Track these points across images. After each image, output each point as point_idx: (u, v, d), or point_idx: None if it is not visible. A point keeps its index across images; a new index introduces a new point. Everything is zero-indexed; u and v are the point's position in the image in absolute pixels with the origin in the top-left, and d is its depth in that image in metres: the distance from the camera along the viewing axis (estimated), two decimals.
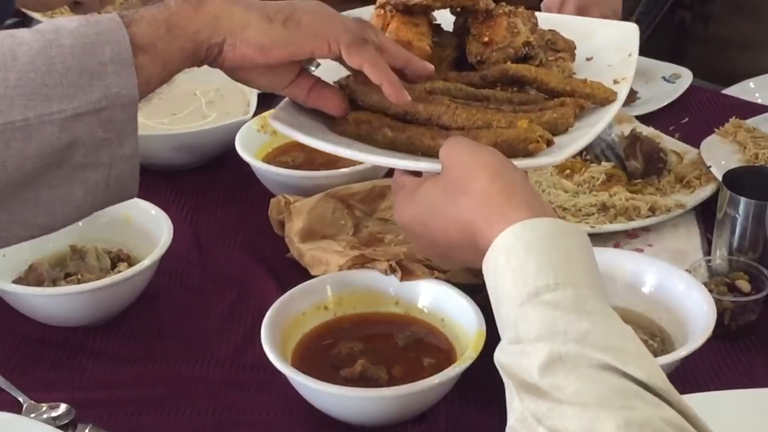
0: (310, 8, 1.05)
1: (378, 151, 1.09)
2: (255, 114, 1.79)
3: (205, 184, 1.71)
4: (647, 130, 1.78)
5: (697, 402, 1.14)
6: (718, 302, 1.26)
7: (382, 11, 1.24)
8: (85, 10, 1.92)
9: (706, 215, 1.56)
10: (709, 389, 1.21)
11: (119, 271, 1.35)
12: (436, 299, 1.27)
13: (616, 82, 1.19)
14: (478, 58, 1.21)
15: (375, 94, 1.10)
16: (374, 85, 1.07)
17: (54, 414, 1.19)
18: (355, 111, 1.12)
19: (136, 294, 1.36)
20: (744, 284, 1.34)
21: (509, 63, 1.20)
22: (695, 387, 1.23)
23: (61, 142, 0.90)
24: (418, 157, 1.07)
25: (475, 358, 1.17)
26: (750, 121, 1.73)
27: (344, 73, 1.14)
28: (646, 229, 1.56)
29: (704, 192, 1.60)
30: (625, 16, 2.29)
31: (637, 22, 2.36)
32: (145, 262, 1.33)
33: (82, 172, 0.94)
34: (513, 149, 1.04)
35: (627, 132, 1.68)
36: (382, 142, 1.10)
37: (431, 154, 1.06)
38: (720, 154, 1.65)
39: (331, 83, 1.14)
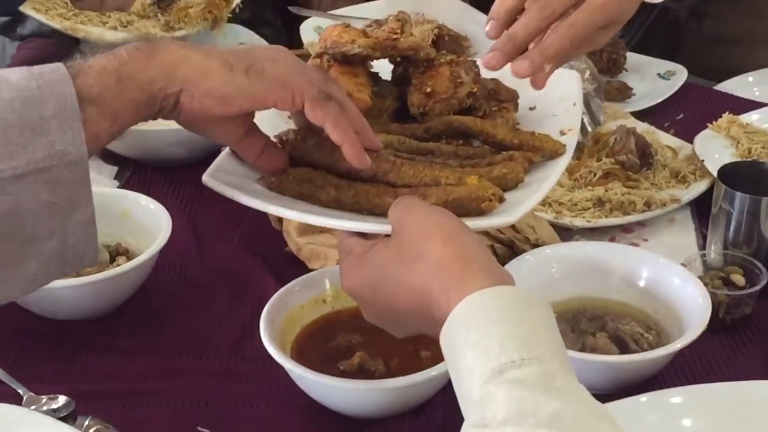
0: (273, 56, 0.98)
1: (323, 211, 1.02)
2: None
3: None
4: (642, 126, 1.78)
5: (693, 394, 1.15)
6: (713, 296, 1.26)
7: (320, 61, 1.16)
8: (84, 5, 1.91)
9: (701, 210, 1.56)
10: (704, 382, 1.21)
11: (118, 265, 1.35)
12: None
13: (562, 133, 1.13)
14: (421, 109, 1.15)
15: (320, 152, 1.05)
16: (323, 142, 1.03)
17: (54, 406, 1.18)
18: (294, 168, 1.06)
19: (135, 287, 1.36)
20: (738, 278, 1.34)
21: (453, 115, 1.15)
22: (690, 379, 1.23)
23: (1, 207, 0.82)
24: (366, 217, 1.01)
25: None
26: (743, 117, 1.73)
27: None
28: (641, 224, 1.56)
29: (699, 187, 1.60)
30: None
31: (630, 20, 2.37)
32: (144, 256, 1.33)
33: (33, 246, 0.85)
34: (464, 208, 0.98)
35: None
36: (326, 200, 1.03)
37: (379, 212, 1.00)
38: (713, 148, 1.65)
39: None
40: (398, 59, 1.19)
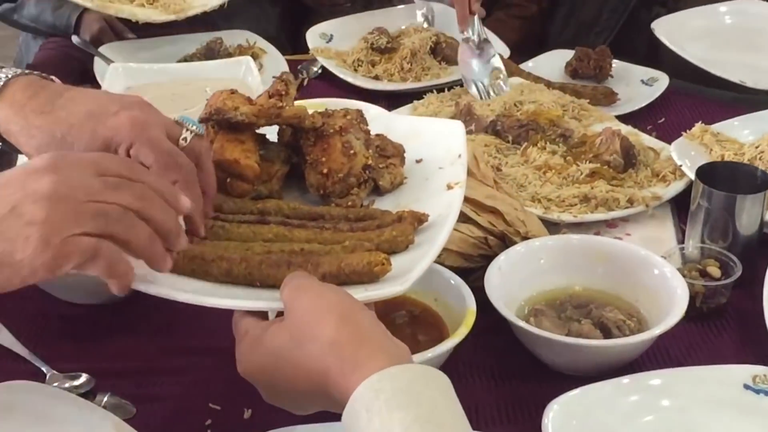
0: (28, 217, 0.80)
1: (215, 290, 0.95)
2: None
3: None
4: (626, 129, 1.80)
5: (671, 377, 1.17)
6: (690, 286, 1.28)
7: (205, 126, 1.09)
8: None
9: (680, 206, 1.58)
10: (682, 365, 1.23)
11: None
12: (429, 280, 1.28)
13: (449, 187, 1.08)
14: (321, 191, 1.08)
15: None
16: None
17: (75, 383, 1.20)
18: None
19: None
20: (715, 270, 1.35)
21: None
22: (669, 363, 1.25)
23: None
24: (259, 292, 0.95)
25: (467, 335, 1.18)
26: (714, 127, 1.75)
27: None
28: (624, 219, 1.57)
29: (679, 185, 1.62)
30: (594, 14, 2.29)
31: (606, 20, 2.39)
32: None
33: None
34: (358, 274, 0.94)
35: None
36: (218, 275, 0.97)
37: (272, 284, 0.95)
38: (689, 154, 1.66)
39: None
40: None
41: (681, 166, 1.62)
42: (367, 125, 1.14)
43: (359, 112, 1.15)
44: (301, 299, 0.87)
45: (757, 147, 1.64)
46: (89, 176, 0.84)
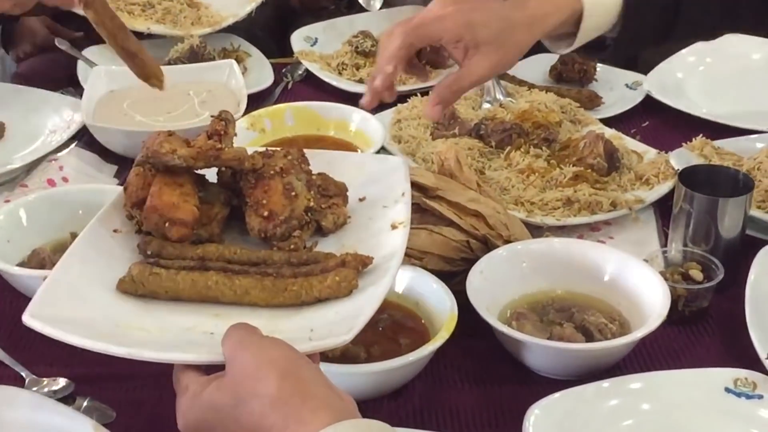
0: None
1: (158, 343, 0.93)
2: (245, 113, 1.81)
3: None
4: (610, 132, 1.80)
5: (652, 380, 1.17)
6: (672, 290, 1.28)
7: (141, 169, 1.07)
8: None
9: (663, 210, 1.58)
10: (663, 368, 1.24)
11: None
12: (411, 284, 1.28)
13: (393, 227, 1.06)
14: (263, 234, 1.05)
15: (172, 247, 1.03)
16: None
17: (54, 388, 1.20)
18: (137, 265, 1.00)
19: None
20: (697, 273, 1.36)
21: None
22: (651, 366, 1.25)
23: None
24: (200, 348, 0.92)
25: (448, 339, 1.18)
26: (717, 143, 1.74)
27: None
28: (607, 223, 1.58)
29: (662, 189, 1.62)
30: None
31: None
32: None
33: None
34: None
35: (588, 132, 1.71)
36: (166, 297, 0.99)
37: (228, 301, 0.98)
38: (688, 163, 1.64)
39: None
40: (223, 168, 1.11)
41: (678, 170, 1.61)
42: (308, 165, 1.12)
43: (301, 152, 1.12)
44: (242, 355, 0.86)
45: (755, 159, 1.64)
46: None
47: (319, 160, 1.15)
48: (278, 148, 1.13)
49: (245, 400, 0.83)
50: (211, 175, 1.12)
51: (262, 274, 1.00)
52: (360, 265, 1.00)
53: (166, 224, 1.03)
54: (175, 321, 0.97)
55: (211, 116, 1.15)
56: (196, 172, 1.09)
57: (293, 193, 1.07)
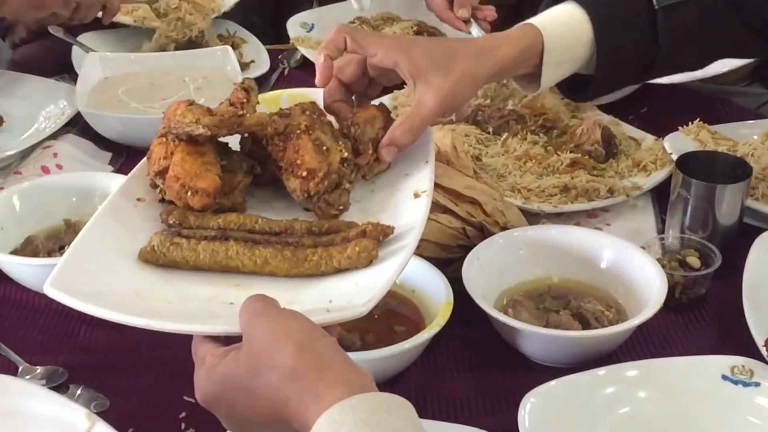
0: None
1: (175, 313, 0.93)
2: None
3: None
4: (607, 118, 1.79)
5: (648, 368, 1.17)
6: (670, 277, 1.27)
7: (164, 140, 1.06)
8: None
9: (660, 197, 1.58)
10: (660, 356, 1.23)
11: None
12: (407, 272, 1.26)
13: (416, 195, 1.05)
14: (306, 194, 1.04)
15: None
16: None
17: (48, 376, 1.20)
18: (159, 235, 1.00)
19: None
20: (694, 260, 1.35)
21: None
22: (648, 354, 1.25)
23: None
24: (216, 316, 0.92)
25: (443, 326, 1.17)
26: (713, 128, 1.73)
27: None
28: (605, 210, 1.57)
29: (659, 175, 1.61)
30: None
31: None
32: None
33: None
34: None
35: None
36: (187, 267, 0.98)
37: (248, 271, 0.97)
38: (683, 147, 1.64)
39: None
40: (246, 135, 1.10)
41: (671, 154, 1.61)
42: (325, 116, 1.11)
43: (314, 105, 1.11)
44: (259, 326, 0.85)
45: (750, 144, 1.63)
46: None
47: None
48: (293, 105, 1.11)
49: (261, 372, 0.83)
50: (233, 143, 1.11)
51: (282, 243, 0.99)
52: (381, 234, 0.99)
53: (188, 193, 1.02)
54: (195, 291, 0.97)
55: (234, 84, 1.14)
56: (218, 140, 1.08)
57: (324, 148, 1.06)
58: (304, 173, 1.04)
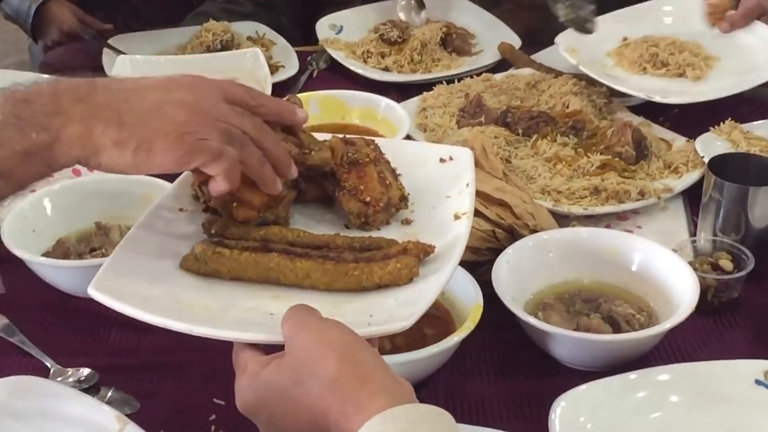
0: (169, 113, 0.92)
1: (216, 319, 0.93)
2: None
3: None
4: (638, 120, 1.78)
5: (680, 372, 1.16)
6: (702, 280, 1.26)
7: None
8: None
9: (692, 199, 1.56)
10: (692, 360, 1.22)
11: None
12: None
13: (457, 217, 1.05)
14: (362, 219, 1.06)
15: (236, 228, 1.02)
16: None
17: (79, 378, 1.20)
18: (201, 244, 1.00)
19: None
20: (727, 263, 1.34)
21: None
22: (679, 358, 1.24)
23: None
24: (259, 327, 0.91)
25: (473, 329, 1.17)
26: (745, 126, 1.72)
27: None
28: (635, 212, 1.56)
29: (691, 177, 1.60)
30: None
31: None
32: None
33: None
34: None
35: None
36: (228, 276, 0.98)
37: (288, 283, 0.97)
38: (714, 149, 1.63)
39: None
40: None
41: (703, 157, 1.60)
42: (384, 155, 1.12)
43: (376, 143, 1.12)
44: (302, 335, 0.85)
45: None
46: (220, 100, 0.96)
47: (385, 149, 1.14)
48: (359, 136, 1.13)
49: (303, 381, 0.83)
50: None
51: (323, 257, 0.99)
52: (421, 253, 0.99)
53: (234, 204, 1.03)
54: (235, 301, 0.97)
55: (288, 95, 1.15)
56: None
57: (387, 182, 1.07)
58: (367, 199, 1.05)
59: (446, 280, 0.95)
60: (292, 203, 1.08)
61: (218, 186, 0.94)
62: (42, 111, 0.88)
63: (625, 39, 2.02)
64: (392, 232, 1.06)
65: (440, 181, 1.11)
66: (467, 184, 1.09)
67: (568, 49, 1.95)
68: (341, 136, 1.12)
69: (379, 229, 1.07)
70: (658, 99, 1.79)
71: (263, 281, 0.98)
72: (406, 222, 1.08)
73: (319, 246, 1.02)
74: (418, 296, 0.94)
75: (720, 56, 1.95)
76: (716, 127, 1.71)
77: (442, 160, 1.13)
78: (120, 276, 0.96)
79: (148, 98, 0.92)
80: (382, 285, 0.97)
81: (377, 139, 1.14)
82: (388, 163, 1.11)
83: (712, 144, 1.65)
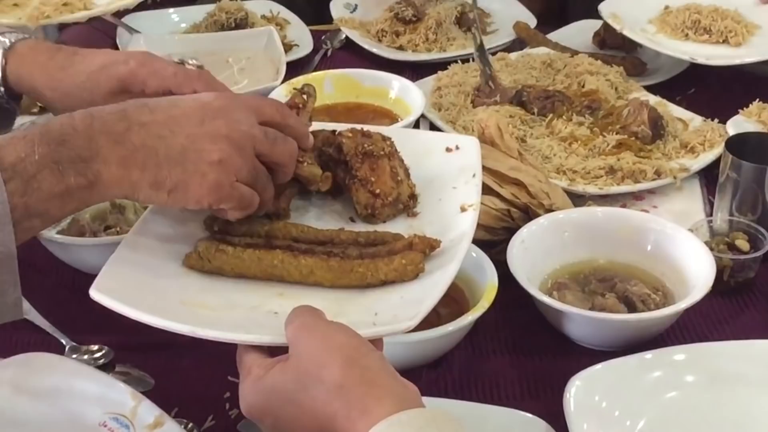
0: (206, 156, 0.92)
1: (219, 322, 0.92)
2: (284, 80, 1.80)
3: None
4: (654, 99, 1.77)
5: (696, 352, 1.15)
6: (718, 260, 1.26)
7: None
8: None
9: (708, 179, 1.56)
10: (708, 340, 1.22)
11: None
12: None
13: (463, 209, 1.03)
14: (369, 210, 1.05)
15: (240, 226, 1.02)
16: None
17: (94, 355, 1.21)
18: (204, 241, 1.00)
19: None
20: (743, 243, 1.33)
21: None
22: (695, 338, 1.23)
23: None
24: (263, 328, 0.90)
25: (488, 309, 1.17)
26: None
27: None
28: (651, 192, 1.55)
29: (707, 157, 1.59)
30: None
31: None
32: None
33: None
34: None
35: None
36: (232, 273, 0.98)
37: (293, 280, 0.97)
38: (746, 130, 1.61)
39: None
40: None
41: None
42: (399, 152, 1.10)
43: (392, 140, 1.10)
44: (306, 339, 0.85)
45: None
46: (253, 123, 0.96)
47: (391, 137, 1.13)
48: (376, 130, 1.11)
49: (309, 386, 0.82)
50: None
51: (328, 254, 0.98)
52: (427, 248, 0.98)
53: None
54: (239, 299, 0.96)
55: (294, 89, 1.16)
56: None
57: (399, 178, 1.06)
58: (377, 191, 1.04)
59: (452, 276, 0.94)
60: (295, 197, 1.07)
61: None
62: (79, 156, 0.88)
63: (666, 7, 2.03)
64: (398, 226, 1.05)
65: (446, 172, 1.10)
66: (474, 175, 1.07)
67: (610, 16, 1.97)
68: (360, 127, 1.11)
69: (384, 221, 1.06)
70: (701, 61, 1.80)
71: (267, 278, 0.98)
72: (412, 215, 1.06)
73: (324, 241, 1.01)
74: (423, 293, 0.93)
75: (760, 25, 1.95)
76: (745, 108, 1.69)
77: (448, 150, 1.12)
78: (121, 276, 0.96)
79: (182, 134, 0.92)
80: (387, 281, 0.96)
81: (382, 129, 1.12)
82: (402, 161, 1.10)
83: (743, 126, 1.62)
